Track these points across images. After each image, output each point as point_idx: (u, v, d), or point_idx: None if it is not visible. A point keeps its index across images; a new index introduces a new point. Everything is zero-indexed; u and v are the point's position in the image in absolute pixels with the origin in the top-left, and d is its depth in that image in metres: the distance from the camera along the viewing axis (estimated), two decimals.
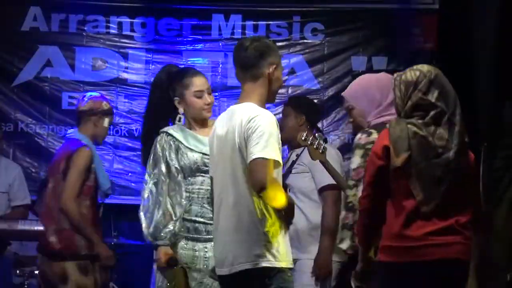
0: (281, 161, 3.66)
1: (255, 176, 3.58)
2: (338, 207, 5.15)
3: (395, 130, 3.54)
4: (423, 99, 3.56)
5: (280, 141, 3.72)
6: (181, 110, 4.45)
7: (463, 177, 3.58)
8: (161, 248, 4.27)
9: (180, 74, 4.51)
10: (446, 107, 3.57)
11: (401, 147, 3.50)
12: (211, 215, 4.09)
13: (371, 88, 4.14)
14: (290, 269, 3.74)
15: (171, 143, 4.36)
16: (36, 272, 6.06)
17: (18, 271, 6.17)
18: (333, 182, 4.91)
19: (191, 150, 4.33)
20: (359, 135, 4.01)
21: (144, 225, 4.31)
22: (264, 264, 3.64)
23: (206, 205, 4.26)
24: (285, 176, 5.22)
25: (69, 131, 5.38)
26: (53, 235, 5.02)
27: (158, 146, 4.38)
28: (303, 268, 5.14)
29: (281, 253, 3.68)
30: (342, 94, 4.33)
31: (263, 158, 3.58)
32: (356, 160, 3.93)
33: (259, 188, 3.58)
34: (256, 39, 3.89)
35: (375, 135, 3.90)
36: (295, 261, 5.11)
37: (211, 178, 3.91)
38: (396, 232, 3.54)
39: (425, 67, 3.66)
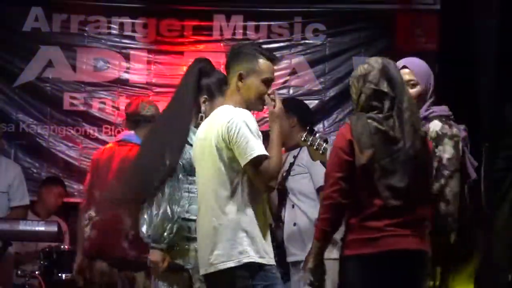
0: (266, 153, 3.72)
1: (261, 179, 3.69)
2: None
3: (357, 126, 3.58)
4: (375, 90, 3.62)
5: (260, 133, 3.78)
6: (203, 109, 4.31)
7: (423, 167, 3.64)
8: (157, 251, 4.17)
9: (222, 76, 4.33)
10: (395, 95, 3.63)
11: (365, 144, 3.55)
12: None
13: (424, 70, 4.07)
14: (272, 266, 3.74)
15: None
16: (37, 272, 6.07)
17: (19, 272, 6.17)
18: None
19: (192, 146, 4.25)
20: (439, 124, 3.92)
21: (144, 226, 4.23)
22: (246, 260, 3.66)
23: None
24: (284, 178, 5.22)
25: (127, 133, 5.28)
26: (126, 243, 4.98)
27: None
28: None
29: (263, 250, 3.70)
30: (409, 66, 4.07)
31: (259, 157, 3.66)
32: (449, 150, 3.85)
33: (268, 189, 3.76)
34: (243, 45, 3.97)
35: (455, 129, 3.84)
36: (300, 262, 5.10)
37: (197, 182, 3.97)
38: (361, 225, 3.58)
39: (372, 59, 3.73)
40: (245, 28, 7.43)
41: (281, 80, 7.39)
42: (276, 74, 7.24)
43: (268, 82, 3.91)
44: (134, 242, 4.95)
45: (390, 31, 7.35)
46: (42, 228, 5.45)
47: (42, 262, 6.07)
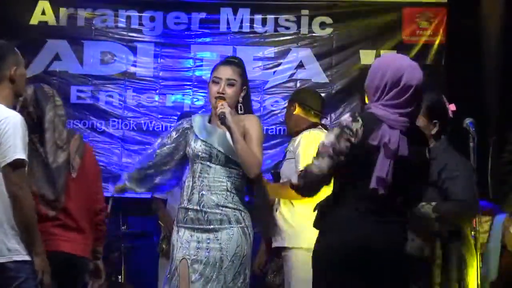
0: (26, 159, 3.74)
1: (8, 182, 3.69)
2: None
3: None
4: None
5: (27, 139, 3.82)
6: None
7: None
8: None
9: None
10: (40, 117, 4.15)
11: None
12: (212, 203, 4.22)
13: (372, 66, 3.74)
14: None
15: (186, 124, 4.43)
16: None
17: None
18: None
19: (196, 136, 4.34)
20: (346, 115, 3.66)
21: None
22: (16, 258, 3.71)
23: (205, 193, 4.25)
24: (279, 163, 5.33)
25: None
26: None
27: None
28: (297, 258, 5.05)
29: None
30: None
31: (16, 160, 3.68)
32: (329, 136, 3.60)
33: (11, 195, 3.70)
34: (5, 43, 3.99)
35: (358, 125, 3.57)
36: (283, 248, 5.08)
37: None
38: None
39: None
40: (252, 21, 7.42)
41: (288, 73, 7.39)
42: (283, 67, 7.42)
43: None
44: None
45: (397, 24, 7.33)
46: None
47: None
